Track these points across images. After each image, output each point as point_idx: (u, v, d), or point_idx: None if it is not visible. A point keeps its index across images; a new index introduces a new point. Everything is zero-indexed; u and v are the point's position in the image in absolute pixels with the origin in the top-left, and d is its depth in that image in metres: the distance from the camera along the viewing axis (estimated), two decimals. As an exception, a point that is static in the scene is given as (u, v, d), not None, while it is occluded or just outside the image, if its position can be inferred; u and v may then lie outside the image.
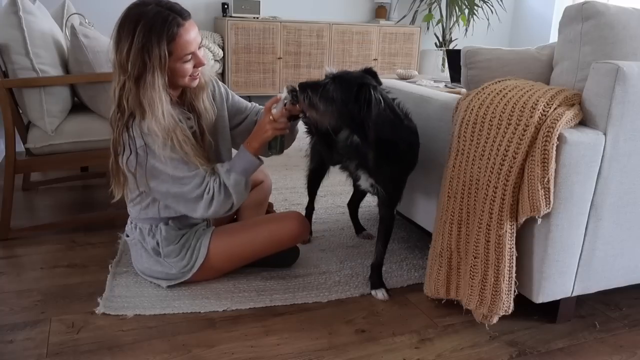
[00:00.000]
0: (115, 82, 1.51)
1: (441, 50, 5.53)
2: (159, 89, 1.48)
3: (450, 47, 5.53)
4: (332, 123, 1.57)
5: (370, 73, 1.62)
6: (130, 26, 1.45)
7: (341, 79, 1.54)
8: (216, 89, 1.79)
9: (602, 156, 1.41)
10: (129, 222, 1.76)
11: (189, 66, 1.54)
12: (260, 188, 2.07)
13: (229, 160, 1.79)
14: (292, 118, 1.65)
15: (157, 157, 1.53)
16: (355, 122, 1.52)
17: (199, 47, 1.56)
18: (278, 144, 1.69)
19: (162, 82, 1.49)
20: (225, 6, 4.79)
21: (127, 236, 1.77)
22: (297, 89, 1.58)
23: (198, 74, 1.60)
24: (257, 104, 1.91)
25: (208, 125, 1.70)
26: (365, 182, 1.72)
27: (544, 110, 1.37)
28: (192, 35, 1.51)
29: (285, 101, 1.59)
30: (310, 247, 2.07)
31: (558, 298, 1.56)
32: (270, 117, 1.60)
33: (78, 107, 2.24)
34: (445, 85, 3.12)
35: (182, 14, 1.50)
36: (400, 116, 1.61)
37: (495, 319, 1.51)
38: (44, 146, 2.10)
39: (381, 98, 1.51)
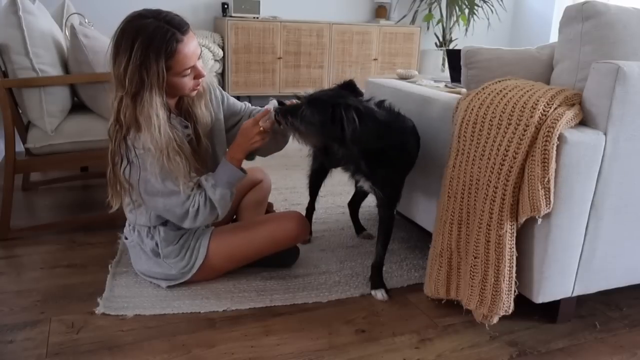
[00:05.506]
0: (113, 95, 1.49)
1: (441, 50, 5.53)
2: (156, 107, 1.46)
3: (451, 47, 5.52)
4: (317, 142, 1.62)
5: (348, 87, 1.62)
6: (128, 41, 1.42)
7: (315, 101, 1.55)
8: (212, 93, 1.78)
9: (603, 156, 1.41)
10: (127, 224, 1.76)
11: (188, 79, 1.53)
12: (259, 187, 2.07)
13: None
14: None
15: (149, 170, 1.52)
16: (338, 139, 1.53)
17: (198, 58, 1.54)
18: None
19: (159, 100, 1.47)
20: (225, 6, 4.79)
21: (126, 238, 1.77)
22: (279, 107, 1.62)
23: (199, 84, 1.59)
24: (250, 104, 1.92)
25: (204, 130, 1.70)
26: (365, 184, 1.73)
27: (544, 110, 1.37)
28: (192, 49, 1.49)
29: (270, 106, 1.60)
30: (310, 247, 2.07)
31: (558, 298, 1.56)
32: (261, 129, 1.59)
33: (78, 107, 2.24)
34: (446, 85, 3.11)
35: (181, 28, 1.47)
36: (383, 122, 1.56)
37: (495, 319, 1.50)
38: (44, 146, 2.10)
39: (355, 116, 1.47)
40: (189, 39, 1.49)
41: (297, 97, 1.75)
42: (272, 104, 1.62)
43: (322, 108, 1.51)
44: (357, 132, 1.48)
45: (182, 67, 1.49)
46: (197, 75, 1.56)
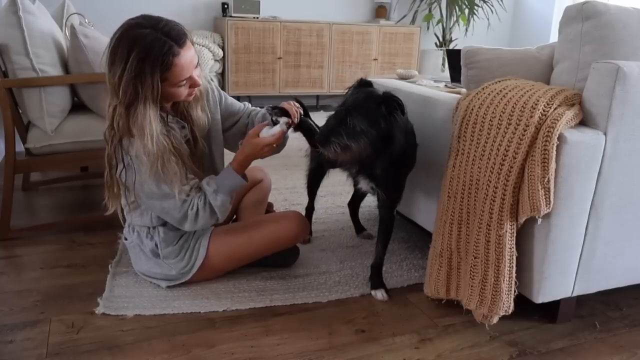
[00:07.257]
0: (108, 102, 1.49)
1: (441, 50, 5.53)
2: (150, 119, 1.46)
3: (450, 47, 5.53)
4: (366, 153, 1.52)
5: (366, 85, 1.61)
6: (124, 51, 1.41)
7: (357, 107, 1.49)
8: (209, 93, 1.77)
9: (603, 156, 1.41)
10: (126, 225, 1.76)
11: (183, 89, 1.53)
12: (259, 187, 2.07)
13: (221, 164, 1.79)
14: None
15: (144, 175, 1.52)
16: (384, 139, 1.50)
17: (195, 67, 1.53)
18: None
19: (153, 112, 1.46)
20: (225, 6, 4.79)
21: (126, 239, 1.77)
22: (284, 114, 1.60)
23: (194, 92, 1.59)
24: (250, 105, 1.91)
25: (201, 132, 1.70)
26: (366, 185, 1.73)
27: (544, 110, 1.37)
28: (188, 60, 1.48)
29: (284, 125, 1.59)
30: (310, 247, 2.07)
31: (558, 298, 1.56)
32: (274, 146, 1.59)
33: (78, 107, 2.24)
34: (446, 85, 3.11)
35: (178, 40, 1.45)
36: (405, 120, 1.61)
37: (495, 319, 1.50)
38: (44, 146, 2.10)
39: (400, 103, 1.50)
40: (186, 51, 1.47)
41: (297, 100, 1.75)
42: (283, 120, 1.60)
43: (368, 108, 1.48)
44: (403, 121, 1.47)
45: (178, 79, 1.48)
46: (193, 85, 1.55)
